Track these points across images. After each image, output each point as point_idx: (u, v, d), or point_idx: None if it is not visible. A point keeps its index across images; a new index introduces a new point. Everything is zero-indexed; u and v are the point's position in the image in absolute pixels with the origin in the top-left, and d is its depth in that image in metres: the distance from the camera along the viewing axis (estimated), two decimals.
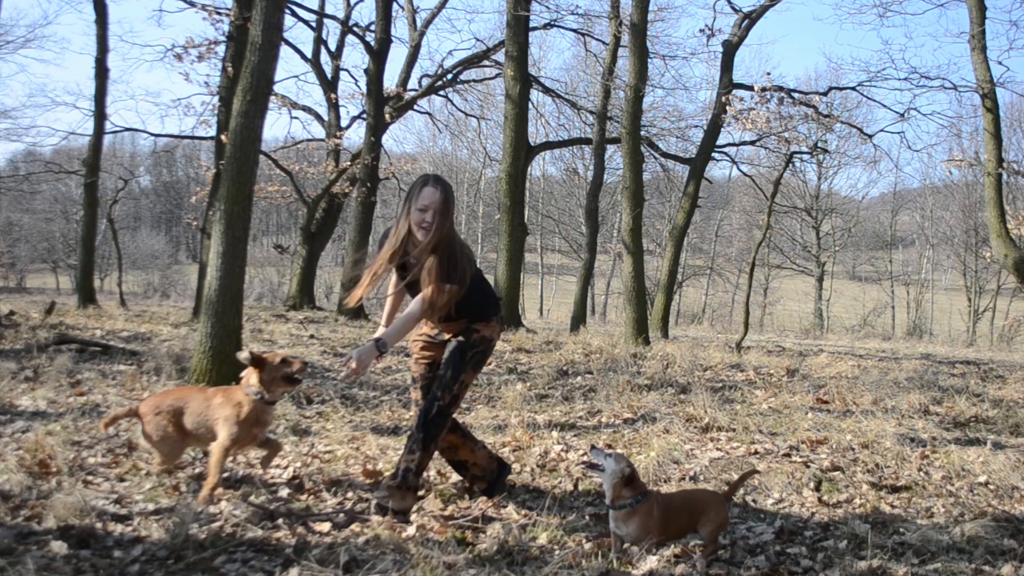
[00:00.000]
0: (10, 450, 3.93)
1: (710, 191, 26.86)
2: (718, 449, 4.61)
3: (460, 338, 3.51)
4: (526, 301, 26.27)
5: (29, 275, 41.38)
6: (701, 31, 13.58)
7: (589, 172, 22.91)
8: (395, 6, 15.70)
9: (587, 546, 3.06)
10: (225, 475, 3.89)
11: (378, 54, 14.50)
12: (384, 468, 4.02)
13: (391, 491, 3.33)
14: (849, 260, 41.64)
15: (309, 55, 17.01)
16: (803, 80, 33.84)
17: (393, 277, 3.61)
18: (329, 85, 17.42)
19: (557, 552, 3.00)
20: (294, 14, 15.86)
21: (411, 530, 3.16)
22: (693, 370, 7.96)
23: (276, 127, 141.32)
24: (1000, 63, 19.03)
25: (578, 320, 14.95)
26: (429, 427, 3.39)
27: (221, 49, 12.85)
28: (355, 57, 60.14)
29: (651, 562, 2.90)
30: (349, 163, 16.14)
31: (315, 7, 17.48)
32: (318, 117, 18.06)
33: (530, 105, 14.88)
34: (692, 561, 2.94)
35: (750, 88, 13.46)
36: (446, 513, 3.43)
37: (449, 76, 17.84)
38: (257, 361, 3.54)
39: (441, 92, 18.63)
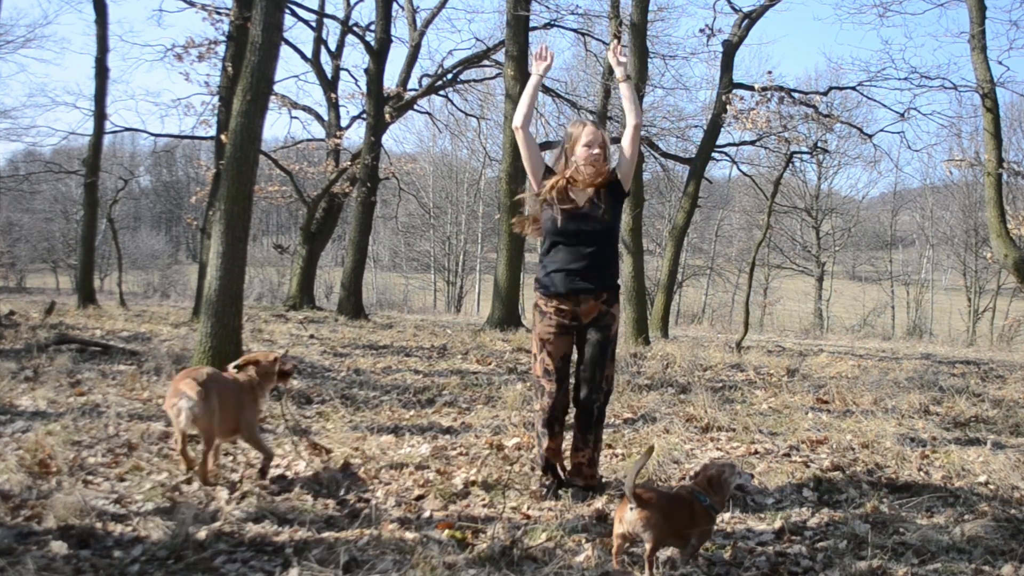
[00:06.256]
0: (10, 450, 3.94)
1: (710, 191, 26.83)
2: (718, 449, 4.61)
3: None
4: (526, 301, 26.22)
5: (29, 275, 41.33)
6: (701, 31, 13.54)
7: None
8: (395, 6, 15.69)
9: (587, 546, 3.05)
10: (225, 475, 3.89)
11: (378, 54, 14.49)
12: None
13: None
14: (849, 260, 41.58)
15: (309, 55, 17.01)
16: (803, 80, 33.77)
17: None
18: (329, 85, 17.42)
19: (557, 552, 2.99)
20: (294, 14, 15.87)
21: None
22: (693, 370, 7.96)
23: (276, 127, 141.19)
24: (1000, 63, 18.91)
25: None
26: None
27: (221, 49, 12.86)
28: (355, 57, 60.28)
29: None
30: (349, 163, 16.14)
31: (315, 7, 17.48)
32: (318, 117, 18.06)
33: None
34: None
35: (750, 88, 13.43)
36: (446, 513, 3.43)
37: (449, 76, 17.83)
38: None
39: (441, 92, 18.62)
